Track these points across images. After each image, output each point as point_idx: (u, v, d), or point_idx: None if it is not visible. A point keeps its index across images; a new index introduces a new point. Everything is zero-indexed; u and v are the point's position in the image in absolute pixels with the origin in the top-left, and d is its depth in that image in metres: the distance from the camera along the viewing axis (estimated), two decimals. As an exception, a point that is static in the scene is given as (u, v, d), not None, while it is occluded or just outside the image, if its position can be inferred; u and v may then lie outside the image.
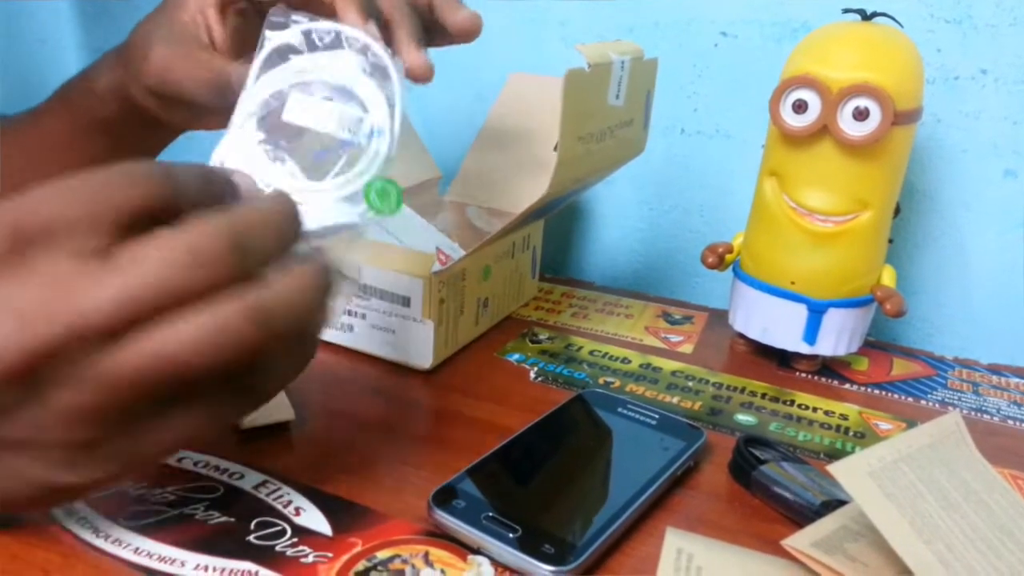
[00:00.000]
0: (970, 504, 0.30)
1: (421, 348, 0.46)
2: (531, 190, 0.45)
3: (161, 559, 0.30)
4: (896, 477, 0.29)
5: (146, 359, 0.23)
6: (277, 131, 0.34)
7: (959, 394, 0.50)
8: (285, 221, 0.27)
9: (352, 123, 0.34)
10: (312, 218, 0.29)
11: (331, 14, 0.36)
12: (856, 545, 0.30)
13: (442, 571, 0.31)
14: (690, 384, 0.49)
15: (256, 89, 0.34)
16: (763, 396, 0.48)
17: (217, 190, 0.28)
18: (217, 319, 0.24)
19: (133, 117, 0.44)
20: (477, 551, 0.32)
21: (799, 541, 0.30)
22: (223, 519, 0.33)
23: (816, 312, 0.48)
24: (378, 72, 0.35)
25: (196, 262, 0.24)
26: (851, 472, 0.29)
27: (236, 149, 0.33)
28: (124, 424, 0.25)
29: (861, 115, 0.43)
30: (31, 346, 0.23)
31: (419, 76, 0.40)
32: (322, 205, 0.32)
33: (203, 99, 0.38)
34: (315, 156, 0.33)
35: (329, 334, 0.49)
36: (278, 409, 0.40)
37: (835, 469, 0.29)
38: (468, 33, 0.42)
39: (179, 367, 0.24)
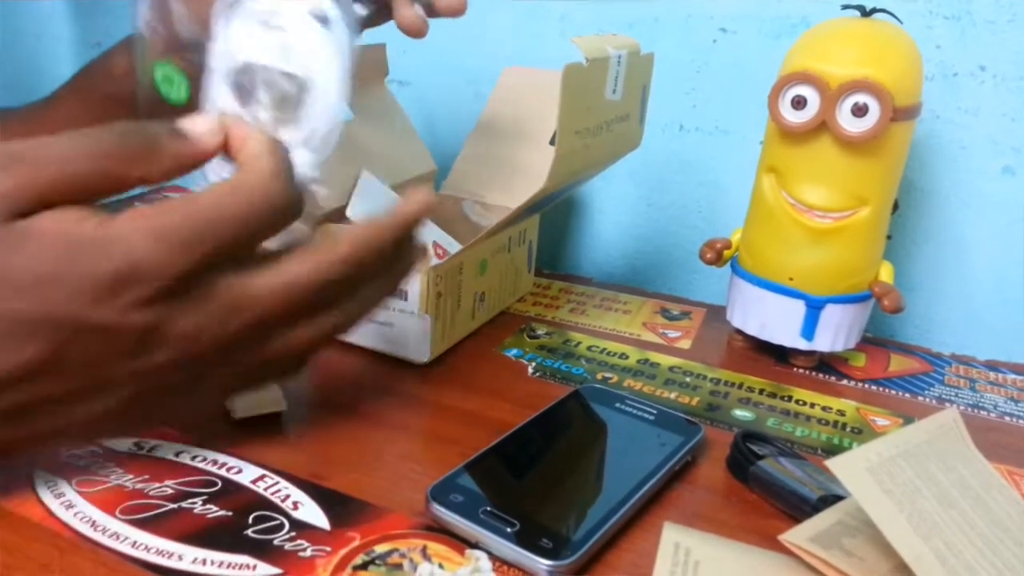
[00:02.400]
0: (967, 500, 0.30)
1: (419, 342, 0.46)
2: (527, 184, 0.45)
3: (159, 552, 0.30)
4: (894, 473, 0.29)
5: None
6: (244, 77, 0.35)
7: (956, 390, 0.50)
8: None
9: (280, 50, 0.34)
10: None
11: None
12: (853, 540, 0.30)
13: (440, 565, 0.31)
14: (688, 380, 0.49)
15: (221, 41, 0.35)
16: (761, 392, 0.48)
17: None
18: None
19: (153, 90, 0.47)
20: (475, 545, 0.32)
21: (796, 536, 0.30)
22: (221, 513, 0.33)
23: (814, 308, 0.48)
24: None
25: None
26: (849, 467, 0.29)
27: (212, 100, 0.34)
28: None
29: (860, 111, 0.43)
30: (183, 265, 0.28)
31: (409, 31, 0.42)
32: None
33: None
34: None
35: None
36: (270, 400, 0.40)
37: (833, 464, 0.29)
38: (411, 32, 0.43)
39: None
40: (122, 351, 0.28)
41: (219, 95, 0.35)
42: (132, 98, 0.47)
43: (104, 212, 0.28)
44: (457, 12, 0.43)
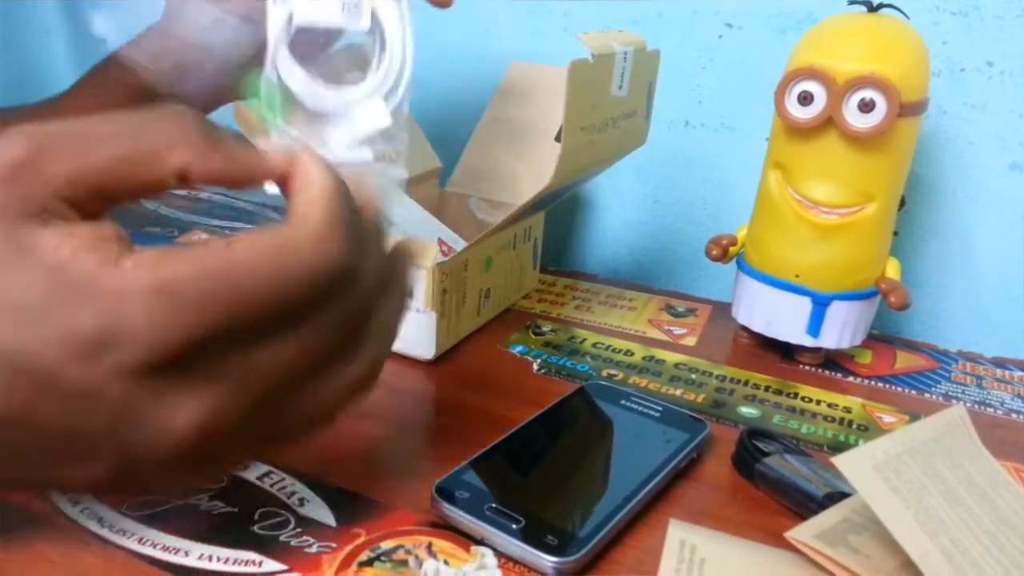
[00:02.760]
0: (974, 497, 0.30)
1: (424, 339, 0.46)
2: (532, 181, 0.45)
3: (165, 549, 0.30)
4: (900, 470, 0.29)
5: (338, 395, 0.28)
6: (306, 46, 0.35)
7: (963, 387, 0.50)
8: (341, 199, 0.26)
9: (350, 7, 0.34)
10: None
11: None
12: (859, 537, 0.30)
13: (445, 562, 0.31)
14: (693, 377, 0.49)
15: (280, 5, 0.35)
16: (766, 389, 0.48)
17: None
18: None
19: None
20: (480, 542, 0.32)
21: (802, 533, 0.30)
22: (227, 509, 0.33)
23: (820, 305, 0.48)
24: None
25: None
26: (855, 465, 0.29)
27: (278, 69, 0.34)
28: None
29: (866, 107, 0.43)
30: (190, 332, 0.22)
31: (437, 1, 0.42)
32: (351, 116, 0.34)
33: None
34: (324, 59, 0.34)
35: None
36: None
37: (839, 461, 0.29)
38: (439, 1, 0.43)
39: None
40: (102, 423, 0.23)
41: (280, 60, 0.34)
42: (154, 90, 0.45)
43: (119, 240, 0.23)
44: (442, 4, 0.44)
